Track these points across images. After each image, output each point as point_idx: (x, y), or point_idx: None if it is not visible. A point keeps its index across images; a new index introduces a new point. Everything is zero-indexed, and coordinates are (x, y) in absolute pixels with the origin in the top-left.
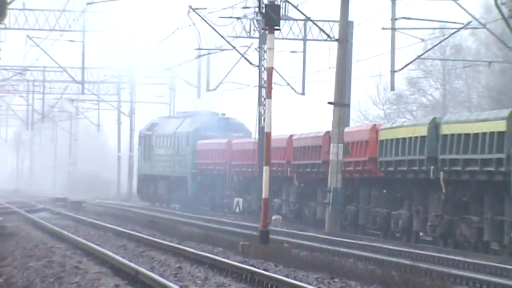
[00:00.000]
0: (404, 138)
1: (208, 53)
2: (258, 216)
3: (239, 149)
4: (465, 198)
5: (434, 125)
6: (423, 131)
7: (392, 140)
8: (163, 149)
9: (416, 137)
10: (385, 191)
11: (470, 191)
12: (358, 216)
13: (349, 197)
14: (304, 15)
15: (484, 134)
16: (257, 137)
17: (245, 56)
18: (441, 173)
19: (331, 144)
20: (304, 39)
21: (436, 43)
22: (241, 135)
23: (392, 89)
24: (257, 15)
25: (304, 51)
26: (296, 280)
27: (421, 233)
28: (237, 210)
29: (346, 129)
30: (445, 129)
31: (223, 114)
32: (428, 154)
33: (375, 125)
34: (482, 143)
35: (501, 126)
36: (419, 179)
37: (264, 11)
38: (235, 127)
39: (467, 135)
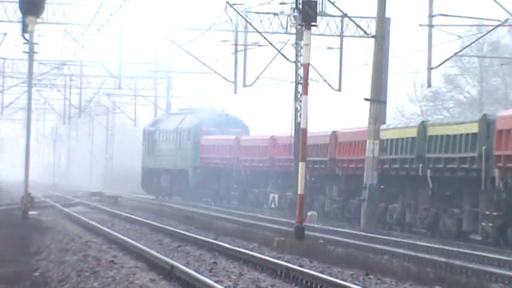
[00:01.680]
0: (397, 139)
1: (245, 49)
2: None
3: (248, 145)
4: (448, 193)
5: (423, 127)
6: (413, 133)
7: (387, 140)
8: (166, 143)
9: (407, 138)
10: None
11: (452, 186)
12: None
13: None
14: (341, 11)
15: (461, 135)
16: (293, 133)
17: (282, 52)
18: (428, 170)
19: (367, 141)
20: (341, 36)
21: (473, 40)
22: (239, 130)
23: (429, 85)
24: (294, 11)
25: (341, 48)
26: (331, 276)
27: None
28: (273, 206)
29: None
30: (431, 131)
31: (223, 110)
32: (417, 153)
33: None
34: (459, 143)
35: (474, 128)
36: (410, 175)
37: (301, 7)
38: (234, 123)
39: (448, 136)
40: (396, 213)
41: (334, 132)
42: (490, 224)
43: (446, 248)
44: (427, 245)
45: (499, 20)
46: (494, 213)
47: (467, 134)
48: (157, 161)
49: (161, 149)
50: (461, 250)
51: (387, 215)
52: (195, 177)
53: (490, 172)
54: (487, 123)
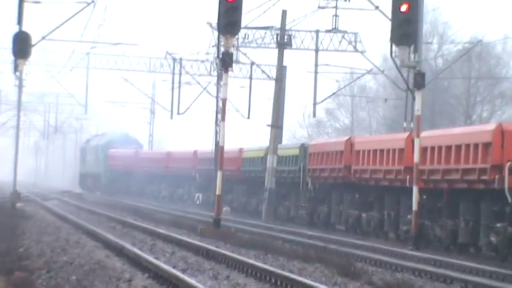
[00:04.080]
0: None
1: (179, 86)
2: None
3: (148, 157)
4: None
5: (303, 148)
6: (296, 152)
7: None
8: (90, 155)
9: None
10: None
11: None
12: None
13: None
14: (251, 60)
15: (291, 156)
16: (213, 149)
17: (206, 89)
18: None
19: (268, 155)
20: (251, 78)
21: (346, 83)
22: (136, 146)
23: (314, 116)
24: (216, 60)
25: (250, 87)
26: (239, 255)
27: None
28: (197, 202)
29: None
30: (280, 153)
31: (127, 133)
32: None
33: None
34: (291, 161)
35: (296, 152)
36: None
37: (221, 56)
38: (132, 141)
39: (288, 156)
40: (285, 210)
41: (241, 148)
42: (305, 211)
43: (324, 235)
44: (309, 233)
45: (366, 69)
46: (307, 204)
47: (294, 156)
48: (87, 167)
49: (88, 160)
50: (332, 237)
51: (281, 211)
52: (106, 178)
53: (305, 179)
54: (304, 148)
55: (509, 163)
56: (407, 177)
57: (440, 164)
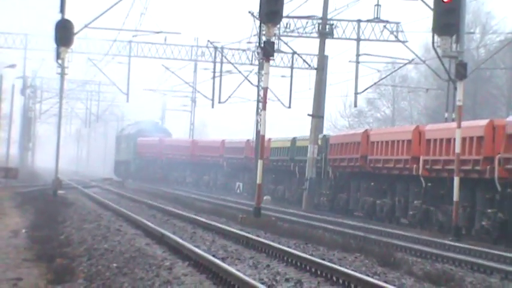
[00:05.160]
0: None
1: (221, 75)
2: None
3: (172, 144)
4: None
5: (294, 141)
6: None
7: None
8: (124, 144)
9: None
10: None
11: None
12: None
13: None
14: (292, 49)
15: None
16: (254, 139)
17: (248, 78)
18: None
19: (309, 145)
20: (292, 67)
21: (388, 73)
22: (164, 135)
23: (355, 106)
24: (257, 49)
25: (291, 76)
26: (280, 244)
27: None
28: (238, 191)
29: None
30: (298, 143)
31: (157, 122)
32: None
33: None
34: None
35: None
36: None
37: (262, 45)
38: (161, 130)
39: (306, 146)
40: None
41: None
42: (326, 199)
43: (365, 225)
44: (349, 222)
45: (407, 59)
46: (328, 192)
47: (318, 145)
48: (120, 155)
49: (121, 148)
50: (373, 227)
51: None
52: (135, 165)
53: (326, 168)
54: (326, 140)
55: (499, 155)
56: (414, 166)
57: (442, 155)
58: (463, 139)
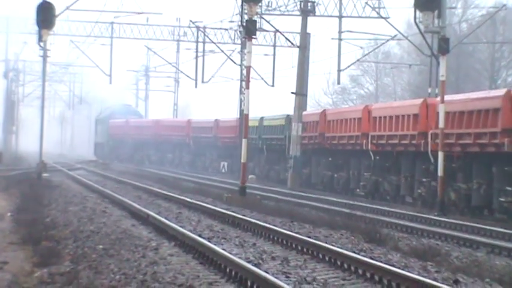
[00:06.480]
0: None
1: (203, 55)
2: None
3: (136, 125)
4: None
5: (289, 119)
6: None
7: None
8: (100, 126)
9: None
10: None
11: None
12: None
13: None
14: (275, 28)
15: (277, 126)
16: (238, 117)
17: (230, 57)
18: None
19: (293, 123)
20: (274, 46)
21: (371, 50)
22: (136, 117)
23: (339, 83)
24: (240, 27)
25: (274, 55)
26: (265, 223)
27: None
28: (223, 171)
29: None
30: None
31: (129, 105)
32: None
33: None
34: (278, 130)
35: (282, 122)
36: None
37: (245, 24)
38: (133, 112)
39: (275, 126)
40: (306, 177)
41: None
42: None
43: (349, 202)
44: (334, 199)
45: (390, 35)
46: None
47: (280, 125)
48: (98, 137)
49: (99, 130)
50: (357, 203)
51: (302, 178)
52: (108, 146)
53: (288, 146)
54: (289, 120)
55: (431, 131)
56: (364, 141)
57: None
58: (402, 116)
